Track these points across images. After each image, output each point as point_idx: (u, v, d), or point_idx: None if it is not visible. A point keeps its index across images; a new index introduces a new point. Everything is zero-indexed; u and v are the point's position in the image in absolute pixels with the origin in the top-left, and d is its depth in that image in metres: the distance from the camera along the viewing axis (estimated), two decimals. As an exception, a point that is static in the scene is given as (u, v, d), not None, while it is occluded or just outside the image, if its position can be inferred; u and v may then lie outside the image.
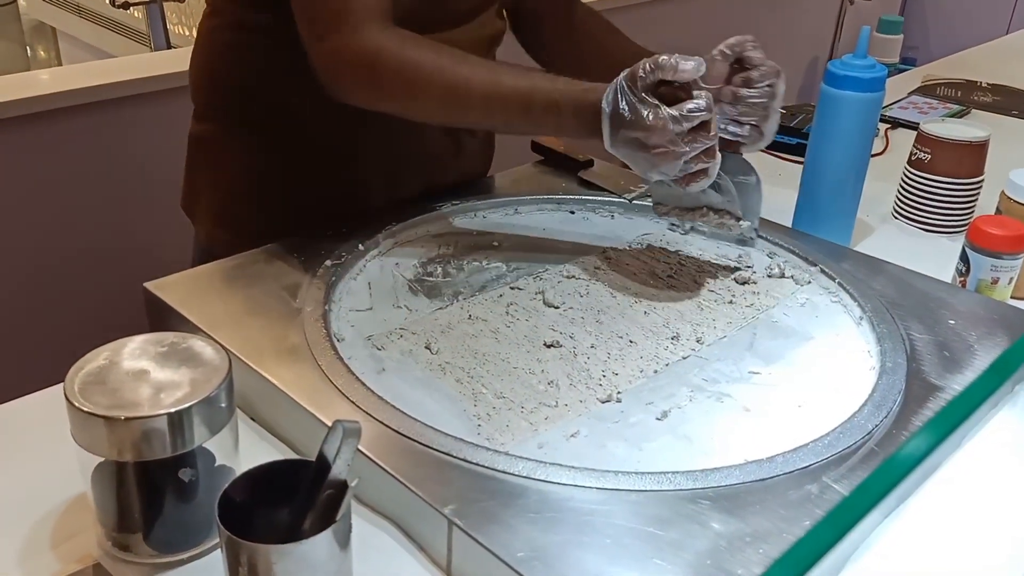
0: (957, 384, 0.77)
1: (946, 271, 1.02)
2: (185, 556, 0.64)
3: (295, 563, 0.53)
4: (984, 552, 0.65)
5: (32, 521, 0.67)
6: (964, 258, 0.98)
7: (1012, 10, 3.41)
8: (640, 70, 0.79)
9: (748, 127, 0.91)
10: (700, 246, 1.01)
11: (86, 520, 0.65)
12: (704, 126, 0.79)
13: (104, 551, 0.64)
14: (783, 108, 0.93)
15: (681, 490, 0.64)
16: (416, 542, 0.65)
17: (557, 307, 0.88)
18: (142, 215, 1.68)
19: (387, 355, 0.80)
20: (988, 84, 1.84)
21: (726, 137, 0.91)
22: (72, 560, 0.63)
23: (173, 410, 0.58)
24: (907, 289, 0.92)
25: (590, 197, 1.09)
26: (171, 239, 1.23)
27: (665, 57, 0.78)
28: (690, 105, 0.78)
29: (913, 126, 1.56)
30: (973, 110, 1.69)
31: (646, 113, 0.78)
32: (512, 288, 0.91)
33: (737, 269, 0.96)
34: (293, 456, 0.74)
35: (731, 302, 0.90)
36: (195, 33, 1.06)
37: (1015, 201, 1.05)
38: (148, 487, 0.61)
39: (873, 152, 1.12)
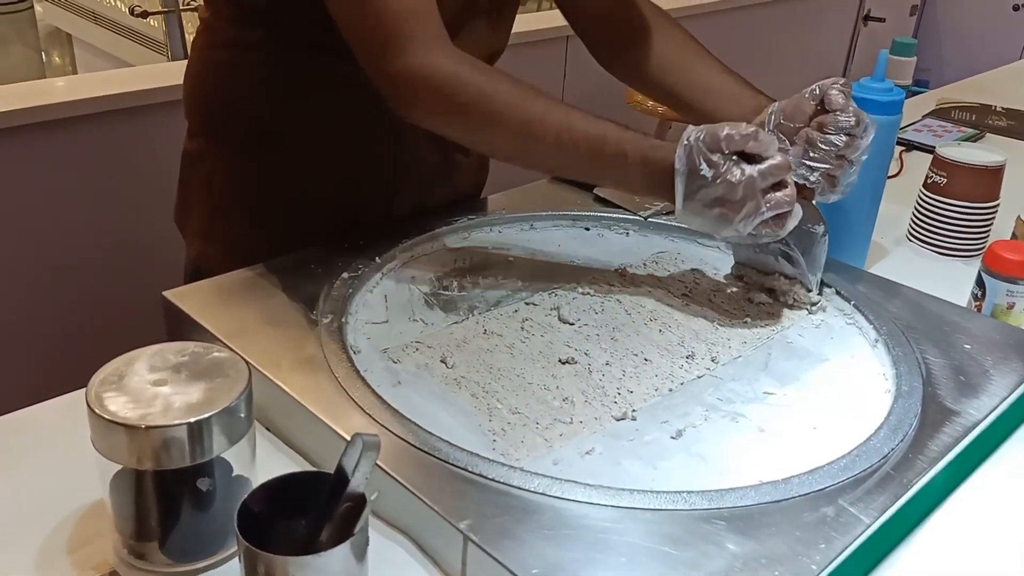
0: (973, 409, 0.77)
1: (961, 295, 1.02)
2: (200, 566, 0.64)
3: (312, 575, 0.53)
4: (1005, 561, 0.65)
5: (50, 526, 0.67)
6: (980, 282, 0.98)
7: (1026, 34, 3.42)
8: (723, 138, 0.79)
9: (818, 174, 0.88)
10: (715, 265, 1.01)
11: (103, 527, 0.65)
12: (781, 183, 0.80)
13: (120, 559, 0.64)
14: None
15: (696, 510, 0.64)
16: (430, 556, 0.65)
17: (572, 323, 0.88)
18: (159, 223, 1.68)
19: (403, 368, 0.80)
20: (1003, 108, 1.84)
21: (796, 181, 0.88)
22: (88, 567, 0.64)
23: (193, 420, 0.58)
24: (922, 312, 0.92)
25: (605, 214, 1.09)
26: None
27: (749, 132, 0.79)
28: (770, 163, 0.79)
29: (928, 149, 1.56)
30: (987, 134, 1.69)
31: (728, 168, 0.79)
32: (527, 304, 0.91)
33: (752, 289, 0.96)
34: (307, 466, 0.74)
35: (746, 322, 0.90)
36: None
37: (1031, 226, 1.05)
38: (166, 496, 0.61)
39: (888, 175, 1.12)
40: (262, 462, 0.67)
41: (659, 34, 1.06)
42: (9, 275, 1.58)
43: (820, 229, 0.93)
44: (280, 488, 0.58)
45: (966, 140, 1.62)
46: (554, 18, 2.12)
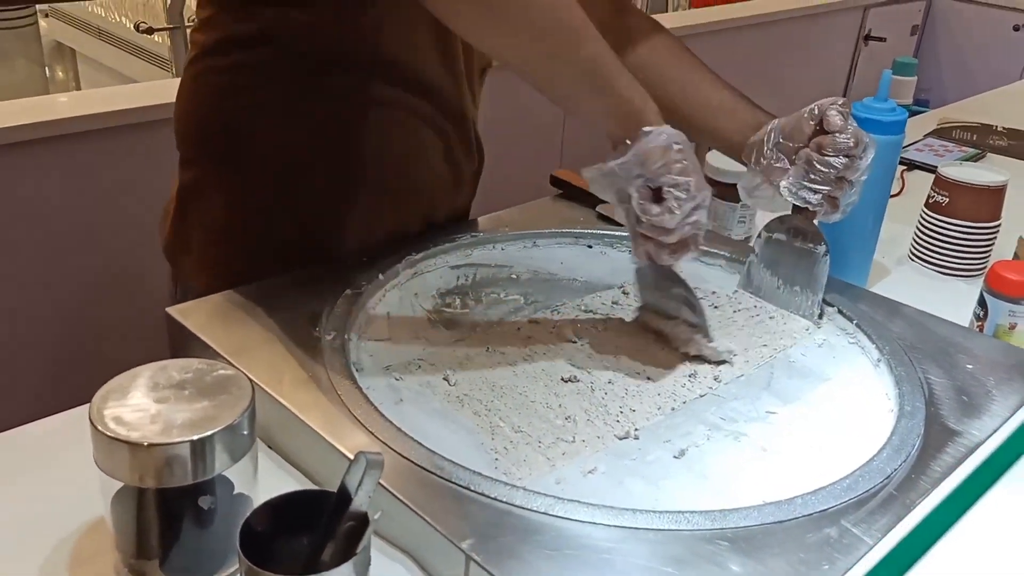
0: (976, 429, 0.77)
1: (962, 314, 1.02)
2: (200, 584, 0.64)
3: (314, 594, 0.53)
4: None
5: (51, 543, 0.67)
6: (982, 303, 0.98)
7: (1027, 54, 3.43)
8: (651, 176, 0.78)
9: (819, 196, 0.88)
10: (718, 283, 1.01)
11: (104, 544, 0.65)
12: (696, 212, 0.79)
13: (120, 577, 0.64)
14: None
15: (699, 530, 0.64)
16: (432, 575, 0.65)
17: (575, 341, 0.88)
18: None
19: (405, 386, 0.80)
20: (1004, 128, 1.85)
21: (795, 203, 0.89)
22: (88, 584, 0.64)
23: (195, 437, 0.58)
24: (925, 332, 0.92)
25: (608, 232, 1.09)
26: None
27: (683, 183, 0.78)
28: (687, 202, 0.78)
29: (929, 168, 1.56)
30: (989, 154, 1.70)
31: (647, 207, 0.79)
32: (530, 321, 0.91)
33: (754, 307, 0.96)
34: (309, 485, 0.74)
35: (748, 341, 0.90)
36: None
37: (1033, 246, 1.05)
38: (167, 514, 0.61)
39: (890, 194, 1.12)
40: (264, 480, 0.67)
41: (653, 45, 1.05)
42: (12, 290, 1.58)
43: (821, 249, 0.93)
44: (282, 506, 0.57)
45: (967, 160, 1.63)
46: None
